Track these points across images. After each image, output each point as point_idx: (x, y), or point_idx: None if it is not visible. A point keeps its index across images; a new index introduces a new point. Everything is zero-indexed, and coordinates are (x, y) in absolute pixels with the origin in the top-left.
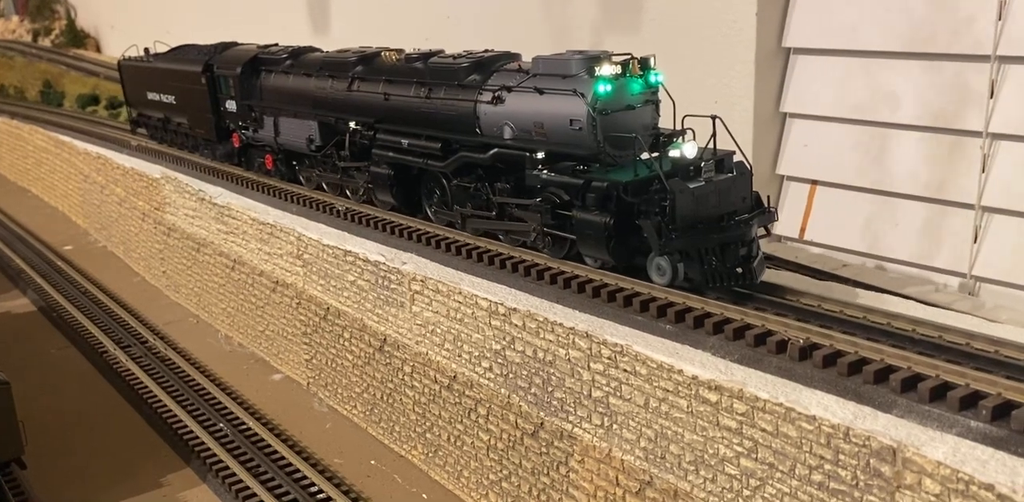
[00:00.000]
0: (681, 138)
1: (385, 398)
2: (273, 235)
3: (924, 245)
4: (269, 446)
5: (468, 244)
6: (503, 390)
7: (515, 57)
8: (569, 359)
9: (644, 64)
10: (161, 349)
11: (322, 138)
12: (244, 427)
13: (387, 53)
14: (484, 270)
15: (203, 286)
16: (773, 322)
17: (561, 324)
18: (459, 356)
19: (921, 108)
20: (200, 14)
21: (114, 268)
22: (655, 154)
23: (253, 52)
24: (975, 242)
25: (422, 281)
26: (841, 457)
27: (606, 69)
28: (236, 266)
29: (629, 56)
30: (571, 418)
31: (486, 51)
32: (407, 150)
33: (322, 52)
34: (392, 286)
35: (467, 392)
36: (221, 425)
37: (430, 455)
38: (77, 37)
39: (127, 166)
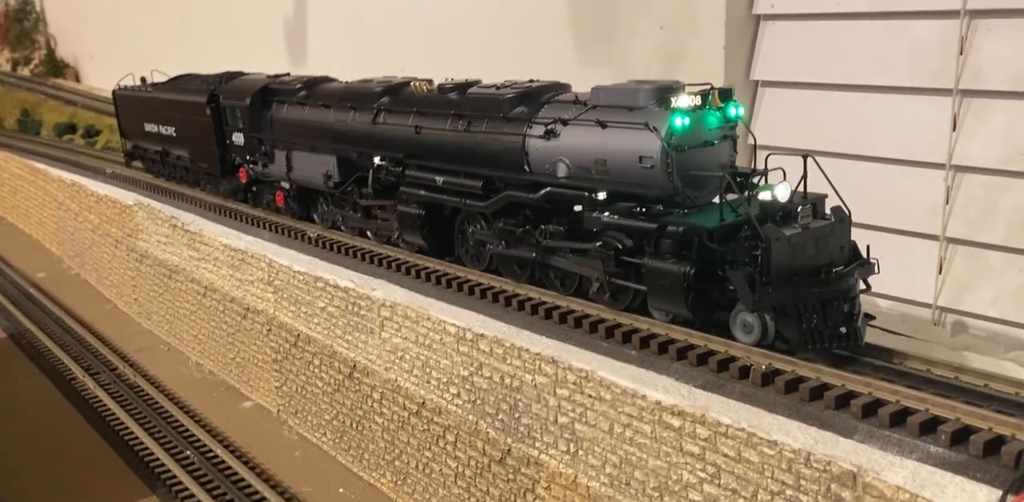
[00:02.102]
0: (764, 178)
1: (354, 425)
2: (245, 261)
3: None
4: (236, 474)
5: (437, 271)
6: (471, 416)
7: (565, 87)
8: (535, 385)
9: (725, 95)
10: (130, 376)
11: (341, 174)
12: (212, 455)
13: (417, 83)
14: (453, 296)
15: (174, 313)
16: (736, 348)
17: (528, 350)
18: (427, 382)
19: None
20: (178, 44)
21: (86, 295)
22: (738, 196)
23: (263, 82)
24: (940, 273)
25: (391, 307)
26: (803, 482)
27: (683, 100)
28: (207, 293)
29: (708, 86)
30: (537, 444)
31: (531, 81)
32: (441, 188)
33: (340, 82)
34: (362, 312)
35: (435, 419)
36: (188, 453)
37: (399, 483)
38: (57, 66)
39: (101, 193)
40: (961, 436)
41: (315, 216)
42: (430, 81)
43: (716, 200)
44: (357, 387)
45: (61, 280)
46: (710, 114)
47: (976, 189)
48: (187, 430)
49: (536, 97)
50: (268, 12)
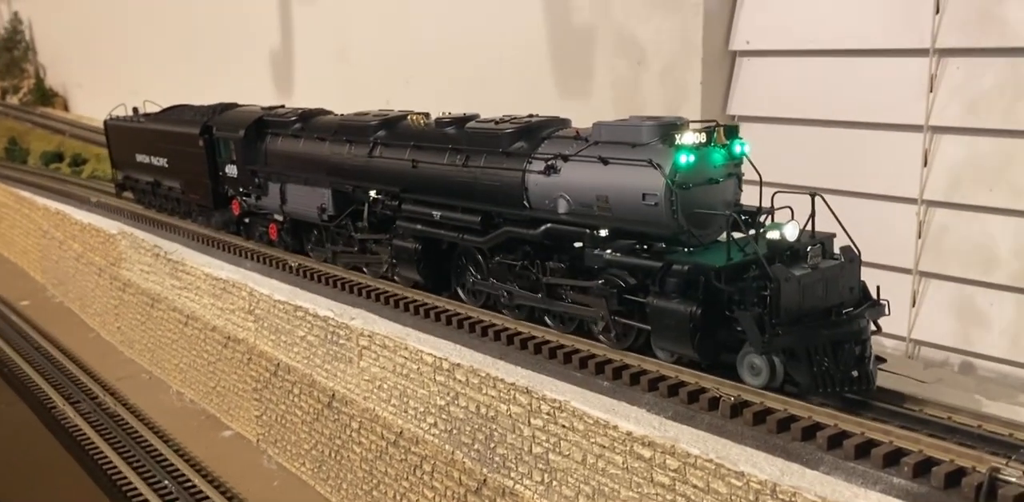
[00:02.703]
0: (771, 216)
1: (333, 455)
2: (226, 290)
3: None
4: None
5: (416, 300)
6: (447, 446)
7: (565, 123)
8: (510, 415)
9: (730, 132)
10: (111, 405)
11: (336, 207)
12: (189, 484)
13: (414, 117)
14: (431, 326)
15: (156, 342)
16: (707, 380)
17: (503, 380)
18: (405, 412)
19: None
20: (167, 75)
21: (69, 323)
22: (745, 235)
23: (258, 114)
24: (913, 306)
25: (370, 336)
26: None
27: (688, 137)
28: (189, 321)
29: (713, 123)
30: (512, 474)
31: (530, 116)
32: (438, 223)
33: (335, 115)
34: (341, 341)
35: (413, 448)
36: (166, 482)
37: None
38: (45, 95)
39: (85, 222)
40: (923, 468)
41: (308, 249)
42: (427, 115)
43: (721, 238)
44: (336, 417)
45: (45, 308)
46: (715, 151)
47: (943, 221)
48: (166, 459)
49: (536, 132)
50: (256, 44)
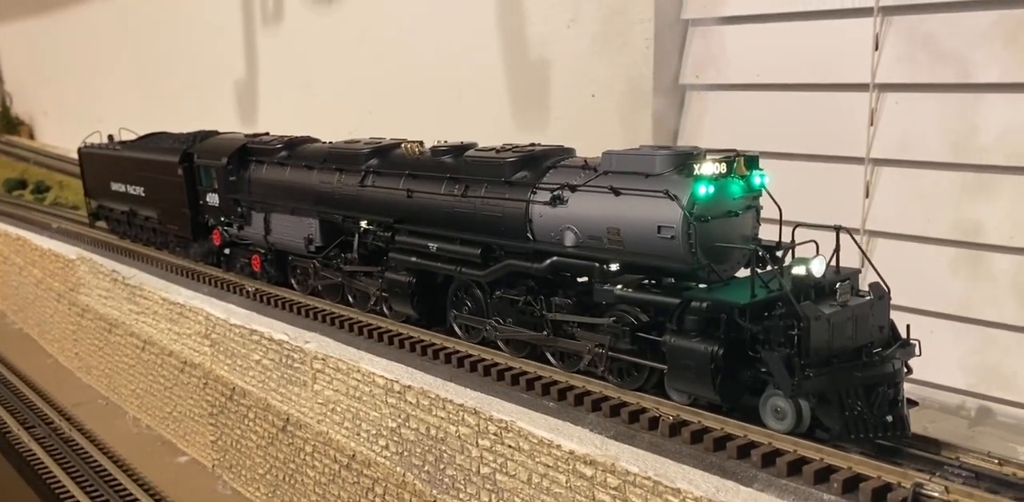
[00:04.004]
0: (790, 251)
1: (287, 479)
2: (183, 315)
3: None
4: None
5: (370, 324)
6: (399, 468)
7: (569, 152)
8: (459, 436)
9: (750, 163)
10: (66, 430)
11: (324, 238)
12: None
13: (408, 145)
14: (384, 349)
15: (114, 367)
16: (647, 400)
17: (452, 401)
18: (358, 435)
19: None
20: (132, 102)
21: (28, 350)
22: (772, 270)
23: (241, 141)
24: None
25: (323, 359)
26: None
27: (707, 168)
28: (146, 346)
29: (733, 153)
30: (461, 495)
31: (533, 145)
32: (435, 255)
33: (323, 143)
34: (295, 365)
35: (365, 471)
36: None
37: None
38: (11, 123)
39: (45, 247)
40: (852, 485)
41: (293, 281)
42: (421, 143)
43: (739, 274)
44: (290, 440)
45: (3, 335)
46: (733, 183)
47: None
48: (120, 485)
49: (539, 161)
50: (220, 74)
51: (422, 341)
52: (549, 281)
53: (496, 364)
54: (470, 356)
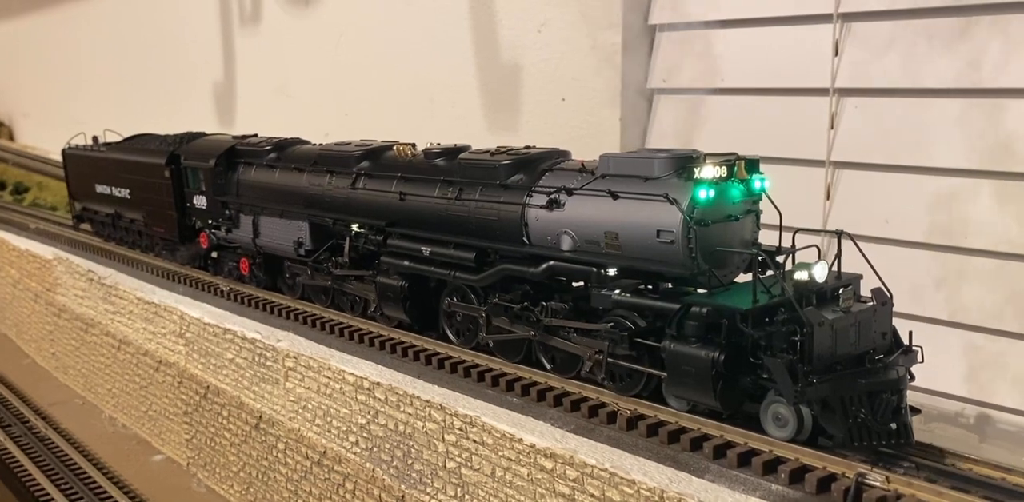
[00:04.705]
0: (791, 256)
1: (260, 476)
2: (158, 314)
3: None
4: None
5: (341, 323)
6: (368, 464)
7: (565, 155)
8: (426, 431)
9: (751, 167)
10: (42, 429)
11: (314, 241)
12: None
13: (400, 147)
14: (354, 347)
15: (90, 367)
16: (607, 396)
17: (419, 397)
18: (328, 431)
19: None
20: (112, 104)
21: (5, 350)
22: (775, 274)
23: (229, 143)
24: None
25: (295, 358)
26: None
27: (708, 171)
28: (122, 346)
29: (733, 156)
30: (429, 490)
31: (528, 147)
32: (428, 259)
33: (313, 145)
34: (268, 363)
35: (336, 467)
36: None
37: None
38: None
39: (22, 248)
40: (798, 475)
41: (282, 286)
42: (413, 145)
43: (739, 279)
44: (263, 438)
45: None
46: (733, 186)
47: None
48: (95, 483)
49: (535, 164)
50: (199, 76)
51: (391, 339)
52: (545, 286)
53: (463, 361)
54: (437, 354)
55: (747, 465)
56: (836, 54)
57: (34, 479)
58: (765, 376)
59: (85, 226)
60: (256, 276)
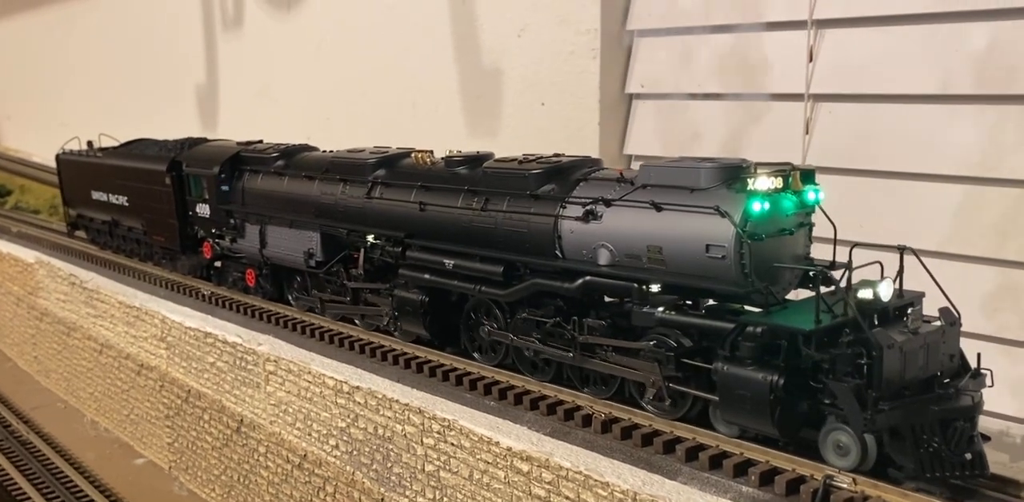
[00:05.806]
0: (847, 272)
1: (241, 480)
2: (139, 318)
3: None
4: None
5: (322, 327)
6: (348, 467)
7: (597, 163)
8: (405, 435)
9: (806, 178)
10: (24, 433)
11: (325, 253)
12: None
13: (418, 154)
14: (335, 351)
15: (72, 371)
16: (582, 398)
17: (398, 401)
18: (309, 435)
19: None
20: (94, 107)
21: None
22: (840, 292)
23: (234, 149)
24: None
25: (276, 361)
26: None
27: (762, 183)
28: (104, 350)
29: (788, 166)
30: (407, 493)
31: (557, 155)
32: (451, 273)
33: (323, 152)
34: (249, 367)
35: (316, 470)
36: None
37: None
38: None
39: (4, 251)
40: (768, 477)
41: (290, 298)
42: (431, 153)
43: (791, 296)
44: (244, 441)
45: None
46: (786, 198)
47: None
48: (77, 487)
49: (567, 173)
50: (182, 79)
51: (371, 343)
52: (579, 301)
53: (441, 365)
54: (416, 358)
55: (719, 467)
56: (811, 60)
57: (16, 483)
58: (827, 401)
59: (80, 234)
60: (263, 287)
